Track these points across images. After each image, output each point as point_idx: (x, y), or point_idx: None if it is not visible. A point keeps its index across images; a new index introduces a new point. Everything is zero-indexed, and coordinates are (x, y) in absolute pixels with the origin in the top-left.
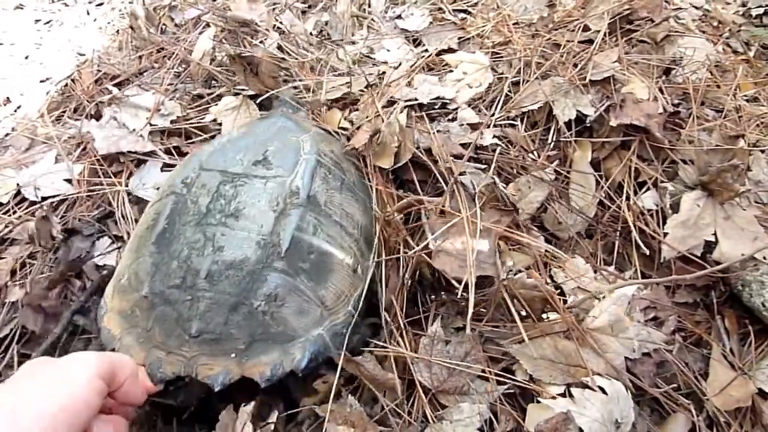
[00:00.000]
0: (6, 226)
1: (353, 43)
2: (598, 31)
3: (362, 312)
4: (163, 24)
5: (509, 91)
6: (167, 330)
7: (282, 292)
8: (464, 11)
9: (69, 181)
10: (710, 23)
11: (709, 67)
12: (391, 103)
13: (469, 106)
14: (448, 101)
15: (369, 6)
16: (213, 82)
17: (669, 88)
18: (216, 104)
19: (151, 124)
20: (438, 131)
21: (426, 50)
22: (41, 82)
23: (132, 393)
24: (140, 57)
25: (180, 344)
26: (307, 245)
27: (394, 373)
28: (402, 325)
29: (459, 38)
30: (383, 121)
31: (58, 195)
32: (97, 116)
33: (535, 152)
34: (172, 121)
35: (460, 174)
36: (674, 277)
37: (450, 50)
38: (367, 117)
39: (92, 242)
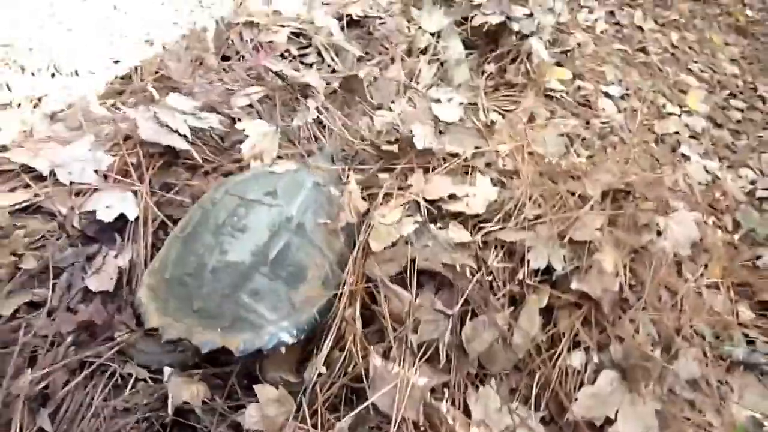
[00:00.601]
0: (35, 195)
1: (391, 110)
2: (591, 198)
3: (322, 317)
4: (231, 41)
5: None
6: (178, 303)
7: (263, 290)
8: (498, 112)
9: (96, 171)
10: (714, 193)
11: (683, 248)
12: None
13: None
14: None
15: (418, 77)
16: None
17: (634, 267)
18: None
19: (189, 126)
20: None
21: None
22: (114, 62)
23: None
24: (196, 69)
25: (184, 315)
26: (289, 259)
27: None
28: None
29: (476, 147)
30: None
31: (84, 184)
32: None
33: (501, 284)
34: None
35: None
36: None
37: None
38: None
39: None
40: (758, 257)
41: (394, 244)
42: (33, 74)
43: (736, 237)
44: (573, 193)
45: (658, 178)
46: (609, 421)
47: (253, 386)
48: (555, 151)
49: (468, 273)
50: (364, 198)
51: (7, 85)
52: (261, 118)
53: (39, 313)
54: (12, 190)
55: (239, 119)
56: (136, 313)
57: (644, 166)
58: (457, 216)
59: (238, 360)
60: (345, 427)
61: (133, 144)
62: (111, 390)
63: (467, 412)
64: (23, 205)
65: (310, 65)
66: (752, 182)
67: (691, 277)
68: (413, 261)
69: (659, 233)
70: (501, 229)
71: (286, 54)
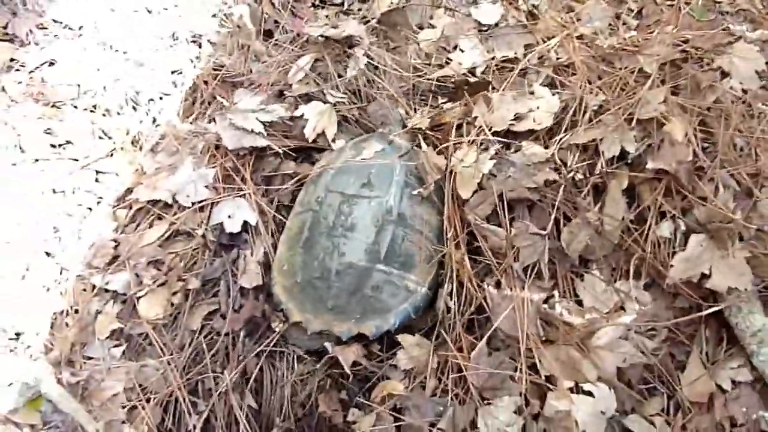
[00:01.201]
0: (171, 224)
1: (432, 27)
2: (650, 74)
3: (433, 289)
4: (266, 14)
5: (569, 123)
6: (313, 303)
7: (381, 283)
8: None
9: (207, 187)
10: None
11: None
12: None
13: (532, 137)
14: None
15: None
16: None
17: (702, 130)
18: (306, 104)
19: (261, 122)
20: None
21: (494, 57)
22: (172, 73)
23: None
24: (247, 57)
25: (321, 313)
26: (397, 251)
27: None
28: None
29: (525, 45)
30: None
31: (204, 201)
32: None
33: (582, 182)
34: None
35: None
36: (666, 323)
37: (516, 59)
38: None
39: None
40: None
41: (480, 186)
42: (118, 113)
43: None
44: (632, 71)
45: (714, 35)
46: (704, 276)
47: (397, 337)
48: (603, 26)
49: (552, 187)
50: (440, 152)
51: (104, 132)
52: (318, 85)
53: (215, 318)
54: (150, 224)
55: (298, 104)
56: (277, 309)
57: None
58: (528, 134)
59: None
60: (484, 346)
61: (224, 151)
62: (290, 365)
63: (579, 303)
64: (166, 234)
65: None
66: None
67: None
68: (500, 196)
69: (723, 74)
70: (571, 134)
71: (317, 2)
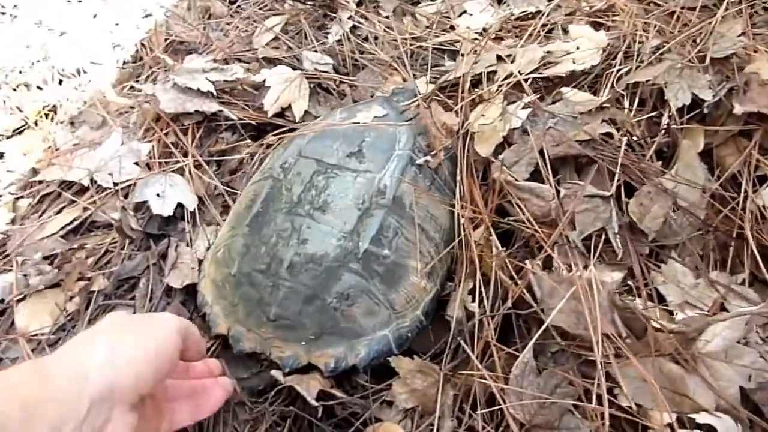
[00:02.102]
0: (84, 209)
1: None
2: (721, 1)
3: (430, 315)
4: None
5: (618, 68)
6: (249, 309)
7: (354, 292)
8: None
9: (138, 163)
10: None
11: None
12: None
13: (573, 84)
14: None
15: None
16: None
17: None
18: (270, 68)
19: (212, 81)
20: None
21: (512, 14)
22: (114, 47)
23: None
24: (206, 24)
25: (259, 324)
26: (386, 248)
27: None
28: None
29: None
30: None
31: (129, 180)
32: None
33: (643, 141)
34: (232, 81)
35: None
36: None
37: (538, 13)
38: (483, 117)
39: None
40: None
41: (507, 142)
42: (40, 88)
43: None
44: (693, 8)
45: None
46: None
47: (388, 359)
48: None
49: (608, 141)
50: (449, 108)
51: (18, 108)
52: (290, 50)
53: None
54: (59, 212)
55: (260, 66)
56: (200, 312)
57: None
58: (569, 81)
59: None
60: (531, 359)
61: (166, 122)
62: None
63: (660, 299)
64: (75, 224)
65: None
66: None
67: None
68: (541, 153)
69: None
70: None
71: None
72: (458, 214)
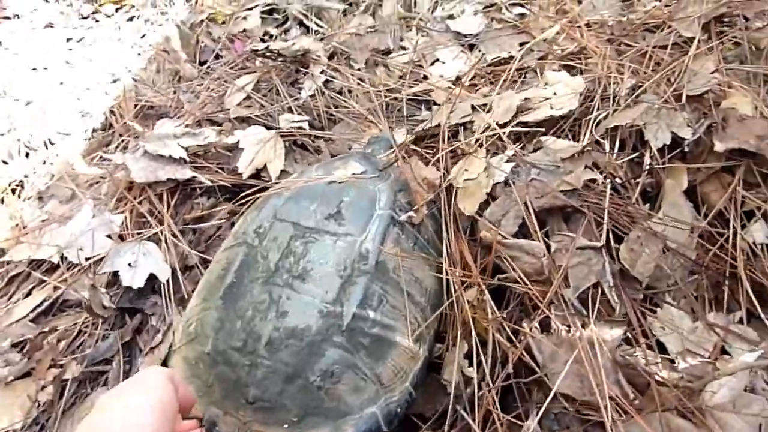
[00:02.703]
0: (55, 289)
1: (403, 49)
2: (692, 38)
3: (420, 385)
4: (203, 42)
5: (597, 113)
6: (225, 390)
7: (339, 369)
8: (520, 5)
9: (110, 236)
10: None
11: None
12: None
13: (553, 130)
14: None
15: (415, 4)
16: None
17: None
18: (243, 127)
19: (185, 147)
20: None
21: (485, 60)
22: (83, 116)
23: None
24: (176, 87)
25: (236, 407)
26: (370, 320)
27: None
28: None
29: (520, 44)
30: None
31: (99, 254)
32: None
33: (627, 183)
34: (204, 145)
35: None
36: None
37: (510, 58)
38: (467, 172)
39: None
40: None
41: (491, 197)
42: (6, 162)
43: None
44: (664, 46)
45: None
46: None
47: None
48: (614, 11)
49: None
50: (428, 161)
51: None
52: (263, 108)
53: None
54: (28, 294)
55: (235, 128)
56: None
57: None
58: (549, 127)
59: None
60: (533, 426)
61: (139, 191)
62: None
63: (660, 347)
64: (45, 305)
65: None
66: None
67: None
68: (526, 205)
69: None
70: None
71: (266, 37)
72: (446, 273)
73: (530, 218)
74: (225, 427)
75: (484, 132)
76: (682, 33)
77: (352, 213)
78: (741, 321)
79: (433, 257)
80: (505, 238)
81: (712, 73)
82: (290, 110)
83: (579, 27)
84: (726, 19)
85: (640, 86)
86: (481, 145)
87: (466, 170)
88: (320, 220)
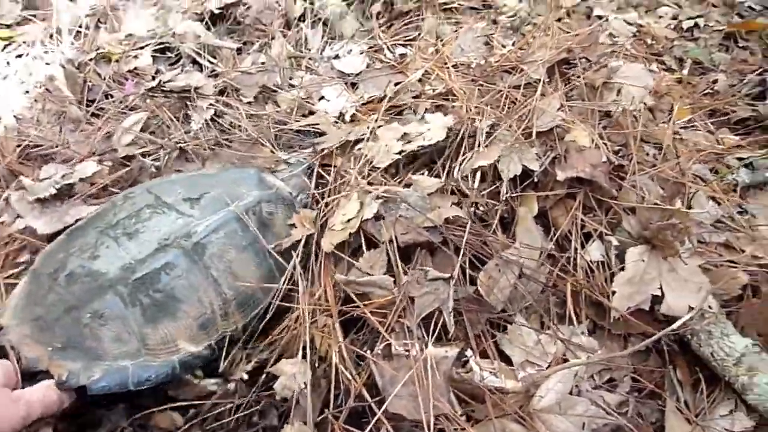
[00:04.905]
0: None
1: (292, 86)
2: (539, 80)
3: (192, 371)
4: (90, 82)
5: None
6: (25, 305)
7: (108, 313)
8: (403, 45)
9: None
10: (644, 40)
11: (644, 99)
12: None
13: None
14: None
15: (306, 43)
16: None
17: (609, 133)
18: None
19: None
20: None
21: (362, 97)
22: None
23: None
24: (63, 127)
25: (24, 320)
26: (160, 285)
27: None
28: None
29: (396, 83)
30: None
31: None
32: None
33: (488, 214)
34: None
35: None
36: (616, 354)
37: (384, 97)
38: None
39: None
40: (714, 81)
41: (363, 232)
42: None
43: (685, 72)
44: (517, 86)
45: (593, 35)
46: (657, 300)
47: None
48: (478, 54)
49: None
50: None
51: None
52: (153, 144)
53: None
54: None
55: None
56: None
57: (568, 39)
58: (423, 165)
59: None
60: None
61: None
62: None
63: (507, 361)
64: None
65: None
66: (674, 17)
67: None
68: (391, 242)
69: (619, 92)
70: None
71: (158, 75)
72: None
73: (394, 254)
74: (11, 336)
75: (364, 166)
76: (531, 75)
77: (209, 202)
78: (584, 333)
79: (267, 264)
80: (357, 279)
81: (557, 110)
82: (181, 144)
83: (448, 68)
84: (570, 63)
85: (498, 124)
86: (364, 178)
87: (343, 214)
88: (178, 200)
